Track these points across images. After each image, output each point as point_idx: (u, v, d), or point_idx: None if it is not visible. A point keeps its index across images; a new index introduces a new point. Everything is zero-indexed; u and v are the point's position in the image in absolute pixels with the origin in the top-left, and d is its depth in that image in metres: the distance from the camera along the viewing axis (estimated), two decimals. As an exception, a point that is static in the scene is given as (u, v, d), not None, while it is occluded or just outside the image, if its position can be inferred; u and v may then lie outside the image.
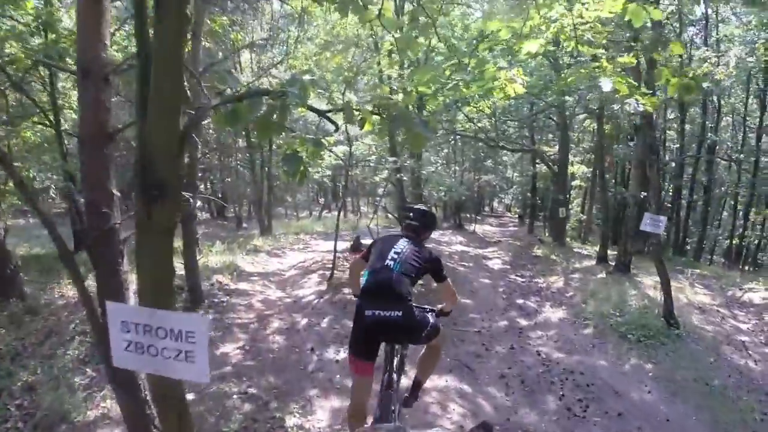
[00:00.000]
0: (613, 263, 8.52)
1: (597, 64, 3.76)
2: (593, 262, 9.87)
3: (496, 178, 23.94)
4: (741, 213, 15.11)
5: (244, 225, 17.24)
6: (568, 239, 14.29)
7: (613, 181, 18.22)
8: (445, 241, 13.35)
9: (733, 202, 17.59)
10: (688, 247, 16.18)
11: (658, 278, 8.69)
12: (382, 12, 2.49)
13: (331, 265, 7.98)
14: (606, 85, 3.05)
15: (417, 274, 2.86)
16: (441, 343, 3.14)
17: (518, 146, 15.04)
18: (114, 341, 1.61)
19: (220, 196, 19.07)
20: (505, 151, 24.54)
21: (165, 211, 1.44)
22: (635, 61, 3.93)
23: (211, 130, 15.15)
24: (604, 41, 3.97)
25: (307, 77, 1.60)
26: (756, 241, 15.16)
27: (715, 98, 14.77)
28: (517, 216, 22.91)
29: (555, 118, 16.02)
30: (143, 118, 1.44)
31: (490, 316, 6.65)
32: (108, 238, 2.43)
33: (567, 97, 11.51)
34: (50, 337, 4.73)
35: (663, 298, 5.64)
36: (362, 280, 2.98)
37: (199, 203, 22.51)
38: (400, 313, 2.64)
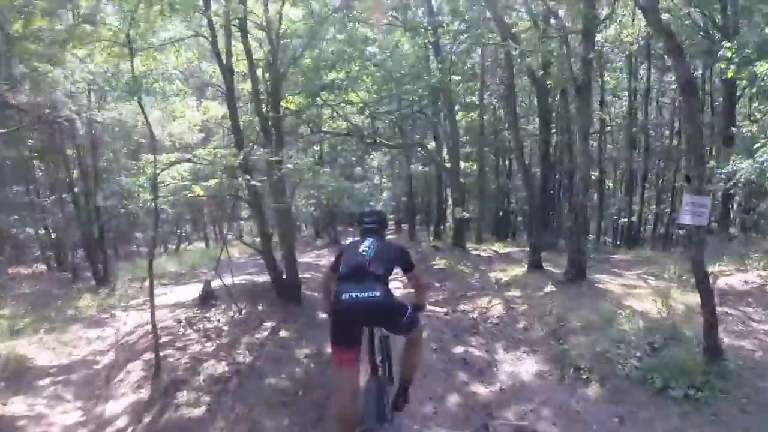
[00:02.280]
0: (563, 270, 6.60)
1: None
2: (521, 270, 7.99)
3: (367, 185, 21.96)
4: (638, 191, 14.88)
5: (87, 274, 12.40)
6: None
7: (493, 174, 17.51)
8: (323, 264, 10.24)
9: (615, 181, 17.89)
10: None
11: (619, 281, 6.43)
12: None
13: (163, 341, 4.58)
14: None
15: (389, 265, 2.85)
16: (420, 336, 3.10)
17: (396, 143, 12.90)
18: None
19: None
20: (372, 157, 23.00)
21: None
22: None
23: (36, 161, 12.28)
24: None
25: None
26: (653, 219, 15.18)
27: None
28: (393, 222, 21.13)
29: (428, 112, 14.49)
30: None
31: (428, 389, 4.04)
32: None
33: (454, 77, 9.72)
34: None
35: (704, 325, 3.70)
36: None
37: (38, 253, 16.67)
38: (378, 293, 2.55)
